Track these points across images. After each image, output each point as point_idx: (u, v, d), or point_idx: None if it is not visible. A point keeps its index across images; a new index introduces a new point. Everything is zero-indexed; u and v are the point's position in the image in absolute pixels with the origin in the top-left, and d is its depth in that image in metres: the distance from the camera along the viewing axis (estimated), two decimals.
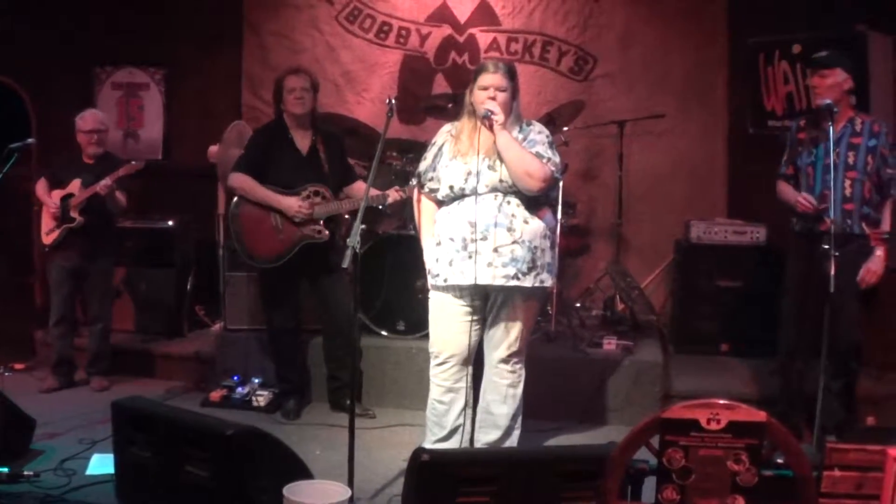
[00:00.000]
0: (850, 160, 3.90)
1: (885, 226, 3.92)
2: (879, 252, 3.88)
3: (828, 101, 3.76)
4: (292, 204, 4.41)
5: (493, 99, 3.47)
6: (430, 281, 3.62)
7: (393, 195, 4.45)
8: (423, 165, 3.70)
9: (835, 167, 3.81)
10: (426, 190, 3.67)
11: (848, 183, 3.90)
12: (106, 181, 4.84)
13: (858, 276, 3.88)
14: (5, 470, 3.52)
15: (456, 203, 3.53)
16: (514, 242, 3.43)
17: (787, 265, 4.29)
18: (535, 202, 3.53)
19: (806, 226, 4.04)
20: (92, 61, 6.61)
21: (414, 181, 3.79)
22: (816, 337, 4.07)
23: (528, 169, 3.41)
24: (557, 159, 3.55)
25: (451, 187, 3.52)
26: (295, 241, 4.45)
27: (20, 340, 5.87)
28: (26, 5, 6.20)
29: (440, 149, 3.64)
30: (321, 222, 4.45)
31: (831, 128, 3.68)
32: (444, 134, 3.69)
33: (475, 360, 3.72)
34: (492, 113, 3.43)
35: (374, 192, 4.38)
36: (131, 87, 6.64)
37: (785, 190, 4.19)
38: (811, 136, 4.06)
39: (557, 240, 3.65)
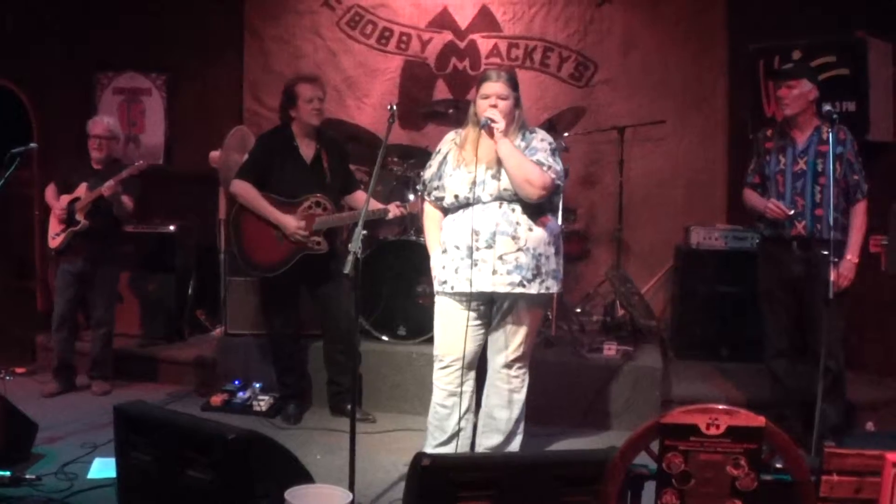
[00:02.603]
0: (820, 167, 4.01)
1: (856, 230, 4.03)
2: (850, 256, 3.98)
3: (827, 107, 3.83)
4: (290, 224, 4.39)
5: (495, 107, 3.48)
6: (437, 287, 3.64)
7: (394, 210, 4.43)
8: (428, 173, 3.72)
9: (804, 174, 4.04)
10: (432, 198, 3.69)
11: (818, 189, 4.00)
12: (110, 183, 4.81)
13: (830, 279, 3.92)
14: (7, 473, 3.54)
15: (461, 211, 3.55)
16: (518, 250, 3.45)
17: (757, 270, 4.36)
18: (538, 209, 3.53)
19: (775, 231, 4.16)
20: (94, 66, 6.62)
21: (420, 188, 3.81)
22: (795, 338, 4.17)
23: (528, 177, 3.41)
24: (559, 167, 3.56)
25: (457, 196, 3.54)
26: (294, 252, 4.44)
27: (22, 344, 5.89)
28: (28, 9, 6.22)
29: (445, 157, 3.65)
30: (321, 234, 4.44)
31: (832, 135, 3.73)
32: (448, 142, 3.70)
33: (478, 365, 3.74)
34: (492, 121, 3.44)
35: (376, 205, 4.38)
36: (133, 91, 6.65)
37: (752, 197, 4.31)
38: (778, 146, 4.17)
39: (562, 246, 3.66)
